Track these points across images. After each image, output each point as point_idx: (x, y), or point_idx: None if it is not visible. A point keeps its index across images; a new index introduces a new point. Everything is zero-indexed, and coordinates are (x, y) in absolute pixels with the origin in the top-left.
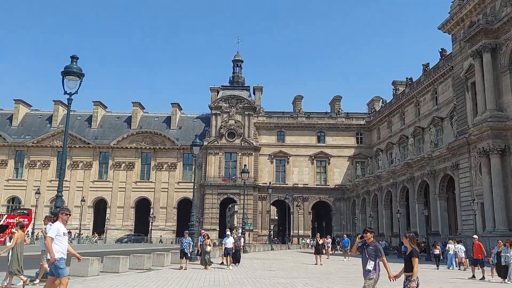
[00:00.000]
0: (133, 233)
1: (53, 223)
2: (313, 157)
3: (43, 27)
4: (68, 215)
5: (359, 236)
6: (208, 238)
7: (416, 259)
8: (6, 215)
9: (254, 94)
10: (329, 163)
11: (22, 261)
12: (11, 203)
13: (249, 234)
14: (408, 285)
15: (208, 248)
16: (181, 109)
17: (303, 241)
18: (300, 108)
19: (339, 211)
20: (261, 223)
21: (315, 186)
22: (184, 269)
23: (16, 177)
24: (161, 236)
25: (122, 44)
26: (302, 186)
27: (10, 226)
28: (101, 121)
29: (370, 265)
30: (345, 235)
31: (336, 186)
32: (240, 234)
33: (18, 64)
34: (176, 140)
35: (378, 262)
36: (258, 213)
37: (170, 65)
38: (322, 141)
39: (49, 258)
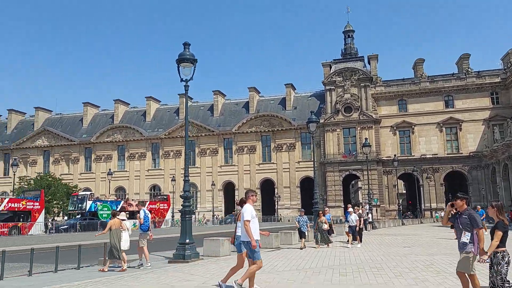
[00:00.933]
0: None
1: (143, 208)
2: (441, 124)
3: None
4: (255, 197)
5: (449, 204)
6: (324, 215)
7: (500, 232)
8: (148, 201)
9: (369, 64)
10: (460, 129)
11: (120, 246)
12: (152, 191)
13: (376, 209)
14: (481, 259)
15: (325, 226)
16: (295, 89)
17: (437, 214)
18: (423, 73)
19: (476, 180)
20: (388, 198)
21: (446, 156)
22: (301, 248)
23: (154, 167)
24: (287, 214)
25: (229, 29)
26: (431, 156)
27: (152, 212)
28: (222, 109)
29: (466, 237)
30: (478, 206)
31: (471, 154)
32: (367, 210)
33: (148, 61)
34: (292, 120)
35: (476, 234)
36: (384, 188)
37: (280, 45)
38: (450, 105)
39: (247, 240)
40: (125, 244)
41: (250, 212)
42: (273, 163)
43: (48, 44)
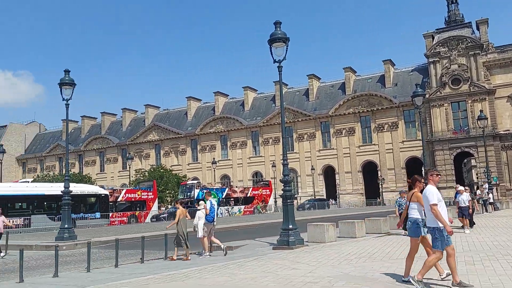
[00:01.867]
0: (319, 197)
1: (209, 199)
2: None
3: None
4: (439, 176)
5: None
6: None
7: None
8: (251, 188)
9: (478, 30)
10: None
11: (187, 235)
12: (254, 177)
13: (496, 189)
14: None
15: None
16: (394, 65)
17: None
18: None
19: None
20: (508, 176)
21: None
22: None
23: (255, 154)
24: (392, 197)
25: (319, 8)
26: None
27: (255, 198)
28: (317, 93)
29: None
30: None
31: None
32: (487, 189)
33: (244, 53)
34: (393, 98)
35: None
36: (503, 165)
37: (375, 20)
38: None
39: (436, 226)
40: (200, 231)
41: (435, 194)
42: (374, 144)
43: (153, 46)
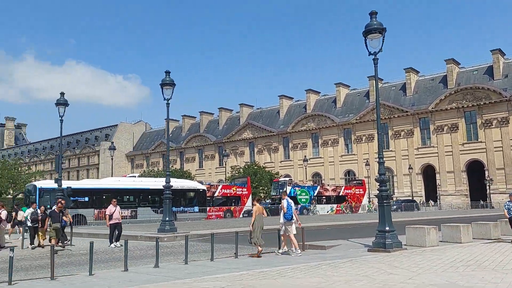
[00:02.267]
0: (406, 199)
1: (286, 197)
2: None
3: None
4: None
5: None
6: None
7: None
8: (344, 187)
9: None
10: None
11: (260, 232)
12: (346, 176)
13: None
14: None
15: None
16: (504, 55)
17: None
18: None
19: None
20: None
21: None
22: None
23: (347, 152)
24: (502, 200)
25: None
26: None
27: (348, 197)
28: (415, 87)
29: None
30: None
31: None
32: None
33: (334, 48)
34: (503, 91)
35: None
36: None
37: (481, 5)
38: None
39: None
40: (293, 229)
41: None
42: (480, 141)
43: (248, 46)
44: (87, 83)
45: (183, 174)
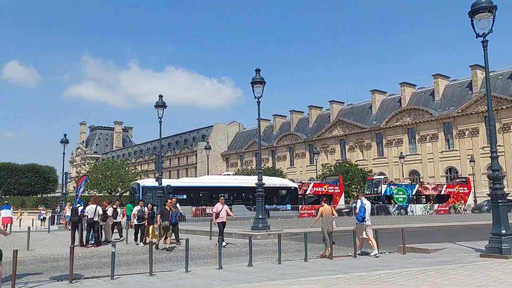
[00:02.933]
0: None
1: (361, 198)
2: None
3: None
4: None
5: None
6: None
7: None
8: (445, 185)
9: None
10: None
11: (329, 233)
12: (448, 173)
13: None
14: None
15: None
16: None
17: None
18: None
19: None
20: None
21: None
22: None
23: (448, 148)
24: None
25: None
26: None
27: (451, 196)
28: None
29: None
30: None
31: None
32: None
33: (432, 38)
34: None
35: None
36: None
37: None
38: None
39: None
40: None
41: None
42: None
43: (333, 42)
44: (185, 87)
45: (275, 172)
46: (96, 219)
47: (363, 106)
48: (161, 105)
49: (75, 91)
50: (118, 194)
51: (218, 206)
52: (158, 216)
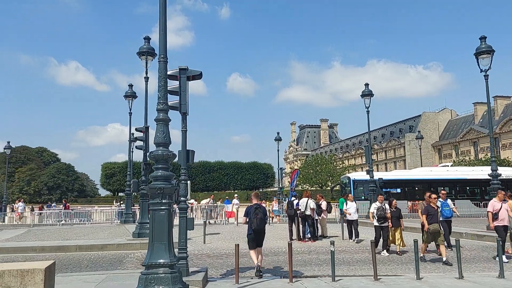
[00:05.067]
0: None
1: None
2: None
3: None
4: None
5: None
6: None
7: None
8: None
9: None
10: None
11: None
12: None
13: None
14: None
15: None
16: None
17: None
18: None
19: None
20: None
21: None
22: None
23: None
24: None
25: None
26: None
27: None
28: None
29: None
30: None
31: None
32: None
33: None
34: None
35: None
36: None
37: None
38: None
39: None
40: None
41: None
42: None
43: None
44: (387, 78)
45: (501, 163)
46: (308, 213)
47: None
48: (367, 94)
49: (285, 94)
50: (329, 188)
51: (495, 203)
52: (424, 217)
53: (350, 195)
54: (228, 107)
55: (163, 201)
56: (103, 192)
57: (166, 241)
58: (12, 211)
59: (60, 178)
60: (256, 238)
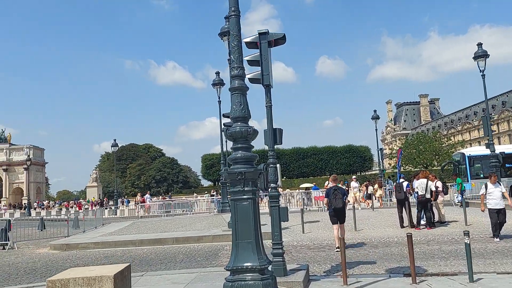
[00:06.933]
0: None
1: None
2: None
3: None
4: None
5: None
6: None
7: None
8: None
9: None
10: None
11: None
12: None
13: None
14: None
15: None
16: None
17: None
18: None
19: None
20: None
21: None
22: None
23: None
24: None
25: None
26: None
27: None
28: None
29: None
30: None
31: None
32: None
33: None
34: None
35: None
36: None
37: None
38: None
39: None
40: None
41: None
42: None
43: None
44: (494, 44)
45: None
46: (428, 196)
47: None
48: (481, 55)
49: (378, 73)
50: (436, 168)
51: None
52: None
53: (494, 175)
54: (318, 91)
55: (246, 188)
56: (205, 183)
57: (252, 239)
58: (122, 204)
59: (165, 171)
60: (337, 215)
